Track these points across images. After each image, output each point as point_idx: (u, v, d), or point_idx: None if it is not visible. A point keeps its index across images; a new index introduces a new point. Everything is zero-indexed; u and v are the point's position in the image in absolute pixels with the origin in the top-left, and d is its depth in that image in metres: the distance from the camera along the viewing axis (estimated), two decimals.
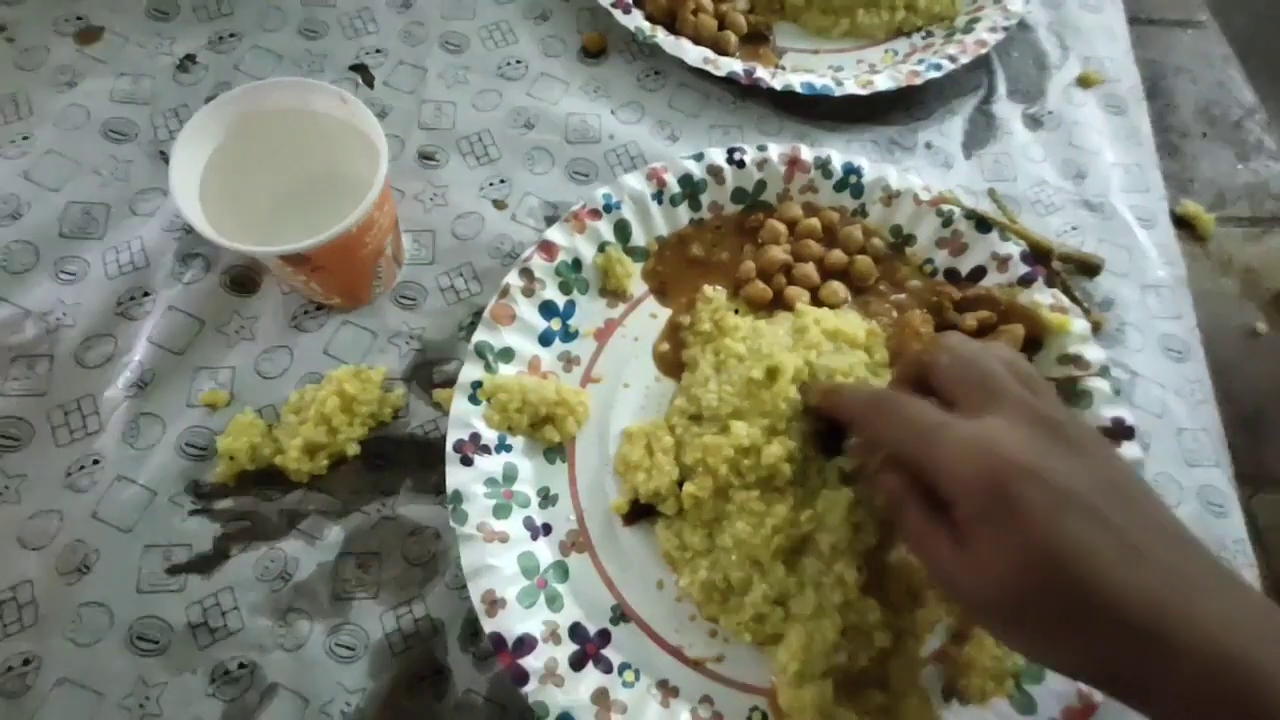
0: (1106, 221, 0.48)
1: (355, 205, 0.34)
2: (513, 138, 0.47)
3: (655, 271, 0.43)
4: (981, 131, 0.51)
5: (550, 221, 0.44)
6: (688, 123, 0.49)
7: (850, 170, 0.44)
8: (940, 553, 0.27)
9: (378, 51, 0.49)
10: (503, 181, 0.46)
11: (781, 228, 0.43)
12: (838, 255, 0.43)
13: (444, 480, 0.35)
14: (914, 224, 0.44)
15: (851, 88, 0.48)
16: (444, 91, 0.48)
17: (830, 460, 0.35)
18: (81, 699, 0.32)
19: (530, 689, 0.32)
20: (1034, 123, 0.52)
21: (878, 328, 0.40)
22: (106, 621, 0.34)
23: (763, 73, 0.48)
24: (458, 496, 0.35)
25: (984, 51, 0.50)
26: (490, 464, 0.37)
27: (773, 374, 0.36)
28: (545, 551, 0.36)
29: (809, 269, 0.42)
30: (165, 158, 0.44)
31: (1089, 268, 0.45)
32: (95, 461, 0.37)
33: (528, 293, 0.40)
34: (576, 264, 0.41)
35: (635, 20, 0.49)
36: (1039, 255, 0.43)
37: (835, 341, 0.38)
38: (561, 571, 0.36)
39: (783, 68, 0.51)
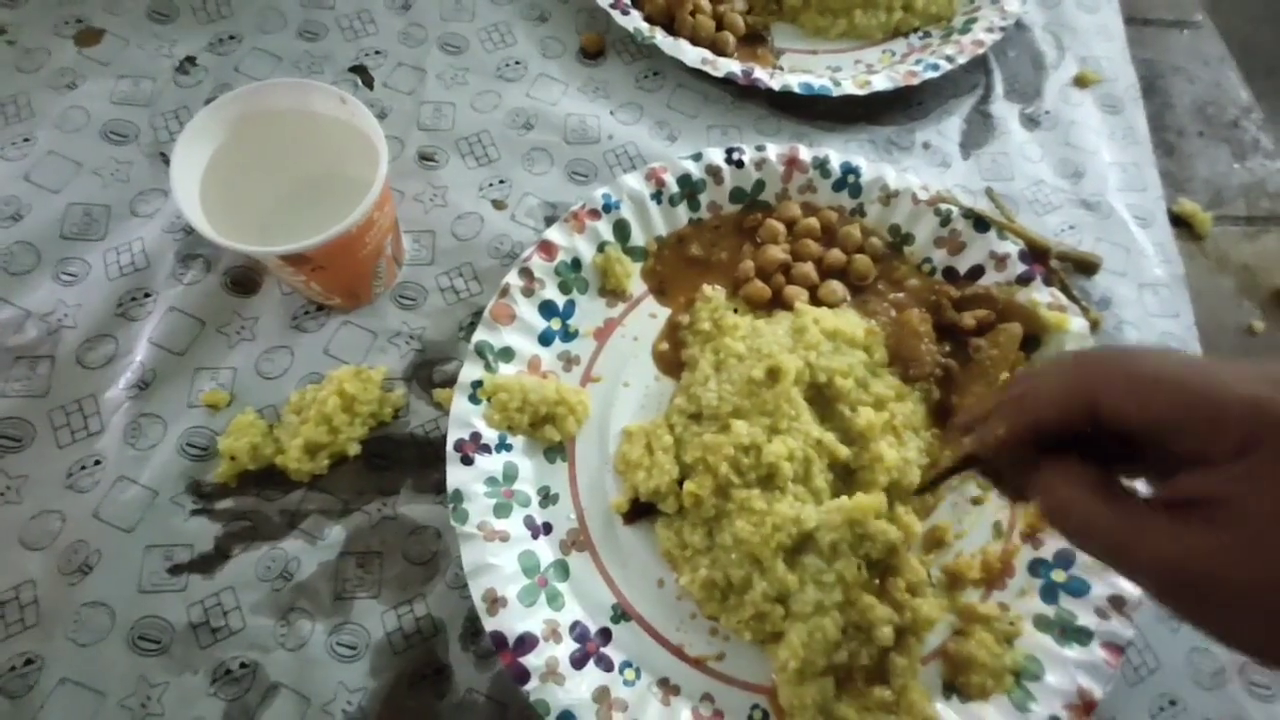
0: (1104, 220, 0.48)
1: (355, 206, 0.34)
2: (512, 138, 0.47)
3: (654, 271, 0.43)
4: (979, 131, 0.51)
5: (550, 222, 0.44)
6: (686, 123, 0.49)
7: (848, 170, 0.44)
8: (1180, 554, 0.19)
9: (377, 53, 0.50)
10: (502, 182, 0.46)
11: (780, 227, 0.43)
12: (836, 254, 0.43)
13: (444, 479, 0.36)
14: (912, 223, 0.44)
15: (849, 88, 0.48)
16: (443, 93, 0.49)
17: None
18: (83, 699, 0.32)
19: (531, 687, 0.32)
20: (1031, 122, 0.52)
21: (876, 326, 0.40)
22: (108, 621, 0.34)
23: (761, 73, 0.48)
24: (458, 496, 0.35)
25: (981, 52, 0.50)
26: (491, 463, 0.37)
27: (774, 373, 0.36)
28: (546, 550, 0.36)
29: (808, 268, 0.42)
30: (165, 159, 0.44)
31: (1087, 266, 0.45)
32: (97, 462, 0.37)
33: (527, 292, 0.40)
34: (576, 264, 0.42)
35: (634, 21, 0.49)
36: (1037, 254, 0.43)
37: (834, 340, 0.39)
38: (562, 570, 0.36)
39: (780, 68, 0.51)
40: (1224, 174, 0.51)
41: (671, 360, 0.41)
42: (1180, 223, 0.49)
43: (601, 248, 0.42)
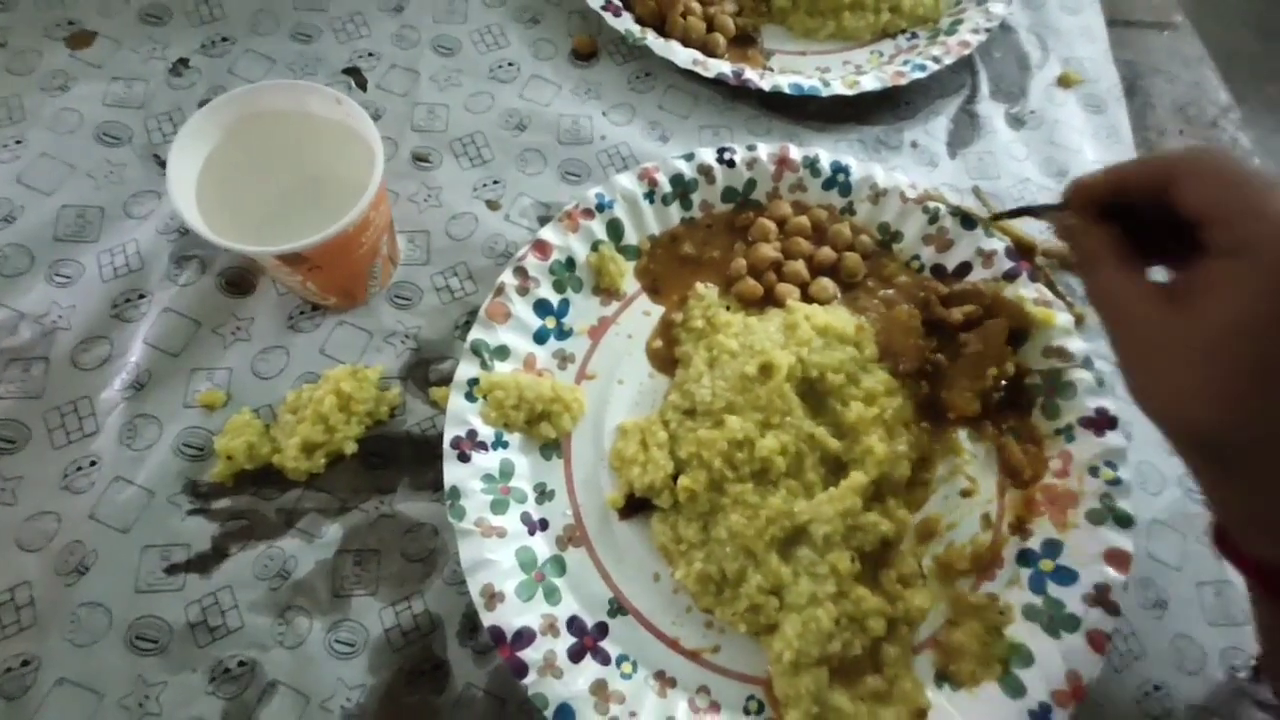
0: None
1: (350, 207, 0.35)
2: (505, 139, 0.48)
3: (648, 269, 0.44)
4: (966, 131, 0.52)
5: (543, 221, 0.45)
6: (678, 123, 0.50)
7: (838, 169, 0.45)
8: (1146, 313, 0.21)
9: (370, 55, 0.50)
10: (496, 182, 0.46)
11: (771, 226, 0.44)
12: (827, 252, 0.44)
13: (441, 477, 0.36)
14: (901, 221, 0.45)
15: (838, 88, 0.49)
16: (437, 94, 0.49)
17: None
18: (81, 699, 0.33)
19: (529, 681, 0.32)
20: (1016, 122, 0.53)
21: (866, 323, 0.41)
22: (105, 622, 0.34)
23: (751, 74, 0.49)
24: (455, 492, 0.35)
25: (967, 53, 0.51)
26: (487, 460, 0.37)
27: (766, 369, 0.37)
28: (542, 546, 0.37)
29: (799, 266, 0.43)
30: (158, 161, 0.45)
31: (1069, 263, 0.46)
32: (92, 463, 0.37)
33: (522, 291, 0.41)
34: (570, 263, 0.42)
35: (625, 23, 0.50)
36: (1023, 251, 0.44)
37: (825, 336, 0.39)
38: (559, 565, 0.36)
39: (771, 69, 0.52)
40: None
41: (665, 357, 0.42)
42: None
43: (595, 247, 0.43)
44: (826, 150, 0.46)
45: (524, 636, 0.33)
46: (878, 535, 0.36)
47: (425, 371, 0.41)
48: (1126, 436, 0.39)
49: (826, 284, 0.43)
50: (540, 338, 0.41)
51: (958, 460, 0.39)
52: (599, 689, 0.33)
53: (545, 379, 0.40)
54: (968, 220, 0.44)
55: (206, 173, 0.37)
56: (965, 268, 0.44)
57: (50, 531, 0.35)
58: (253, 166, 0.38)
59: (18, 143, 0.44)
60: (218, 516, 0.36)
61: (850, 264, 0.43)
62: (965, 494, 0.39)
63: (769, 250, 0.43)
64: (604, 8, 0.50)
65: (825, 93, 0.49)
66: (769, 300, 0.43)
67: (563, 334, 0.42)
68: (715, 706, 0.34)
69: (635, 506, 0.38)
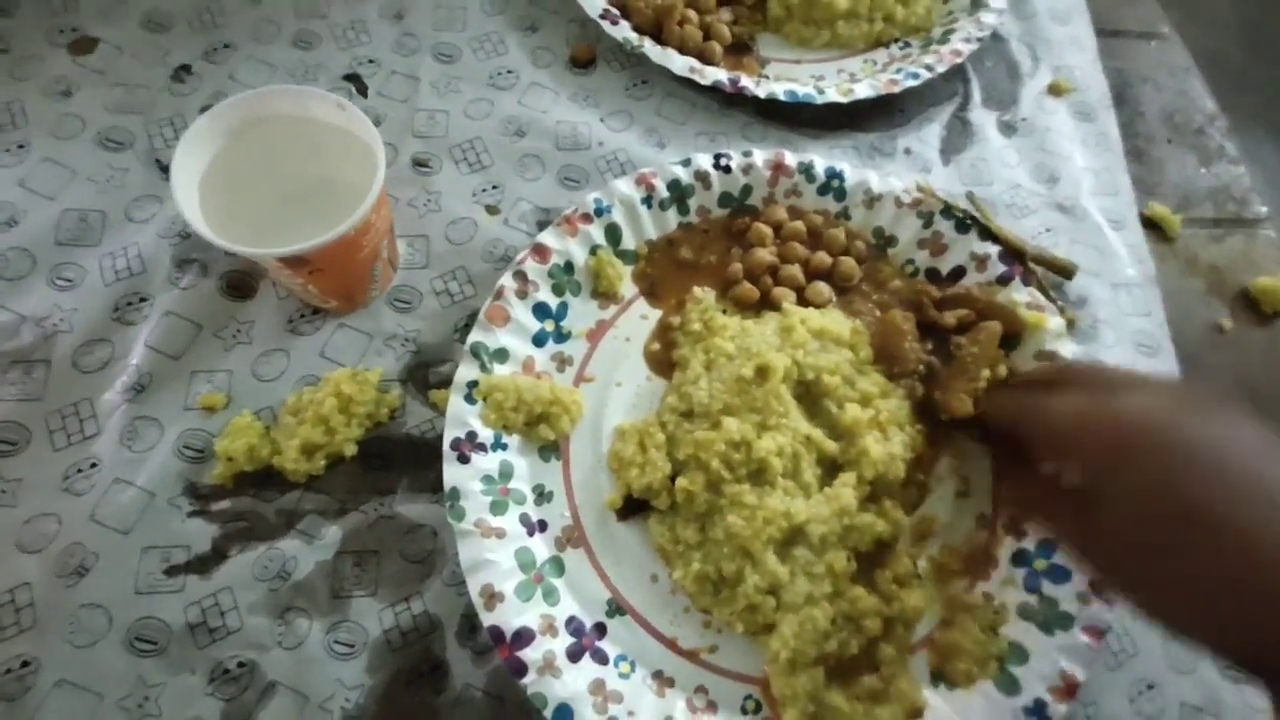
0: (1078, 223, 0.50)
1: (351, 212, 0.35)
2: (504, 145, 0.48)
3: (645, 274, 0.44)
4: (958, 137, 0.53)
5: (542, 226, 0.45)
6: (675, 130, 0.50)
7: (833, 175, 0.46)
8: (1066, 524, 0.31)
9: (371, 61, 0.50)
10: (495, 188, 0.47)
11: (767, 230, 0.45)
12: (822, 257, 0.44)
13: (440, 479, 0.36)
14: (895, 226, 0.45)
15: (833, 96, 0.50)
16: (437, 100, 0.49)
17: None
18: (81, 700, 0.33)
19: (529, 680, 0.33)
20: (1008, 129, 0.54)
21: (861, 326, 0.42)
22: (105, 623, 0.34)
23: (747, 81, 0.49)
24: (455, 493, 0.36)
25: (959, 61, 0.52)
26: (486, 462, 0.37)
27: (763, 372, 0.37)
28: (541, 547, 0.37)
29: (795, 270, 0.44)
30: (161, 166, 0.45)
31: (1062, 270, 0.47)
32: (93, 465, 0.37)
33: (521, 295, 0.41)
34: (569, 267, 0.42)
35: (623, 31, 0.51)
36: (1013, 254, 0.44)
37: (821, 340, 0.40)
38: (558, 566, 0.37)
39: (766, 77, 0.53)
40: (1192, 179, 0.53)
41: (663, 360, 0.42)
42: (1151, 225, 0.51)
43: (593, 251, 0.43)
44: (821, 156, 0.46)
45: (523, 636, 0.33)
46: (874, 535, 0.36)
47: (425, 374, 0.41)
48: None
49: (822, 288, 0.43)
50: (539, 341, 0.41)
51: (953, 461, 0.40)
52: (597, 689, 0.33)
53: (544, 381, 0.40)
54: (962, 225, 0.45)
55: (210, 176, 0.37)
56: (959, 272, 0.44)
57: (50, 533, 0.35)
58: (255, 171, 0.39)
59: (20, 147, 0.45)
60: (218, 518, 0.37)
61: (845, 268, 0.44)
62: (960, 495, 0.39)
63: (765, 255, 0.44)
64: (602, 16, 0.51)
65: (820, 100, 0.49)
66: (765, 304, 0.43)
67: (561, 337, 0.42)
68: (713, 706, 0.34)
69: (633, 507, 0.38)
